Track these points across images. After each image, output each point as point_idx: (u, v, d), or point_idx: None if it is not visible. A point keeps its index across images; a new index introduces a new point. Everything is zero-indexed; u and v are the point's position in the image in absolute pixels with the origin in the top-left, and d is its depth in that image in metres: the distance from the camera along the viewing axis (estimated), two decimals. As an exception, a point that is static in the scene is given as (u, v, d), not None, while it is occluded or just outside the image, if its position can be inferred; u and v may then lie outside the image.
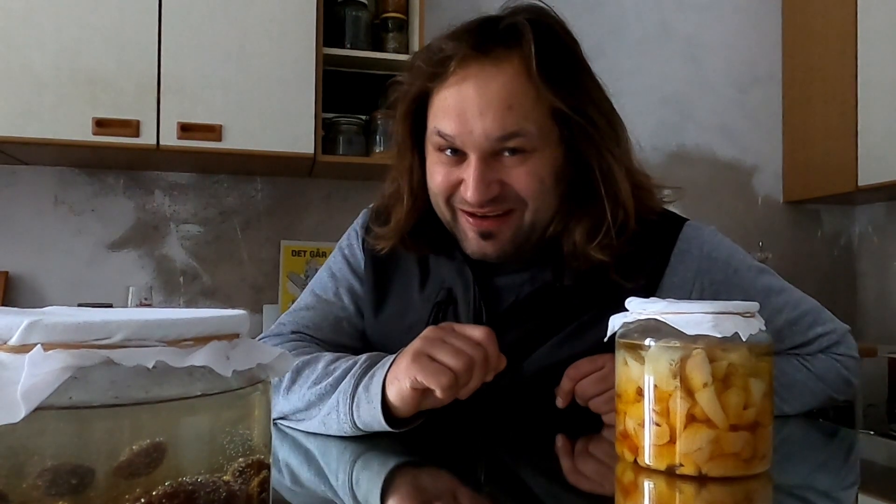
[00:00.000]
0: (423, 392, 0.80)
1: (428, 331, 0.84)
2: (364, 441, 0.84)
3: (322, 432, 0.87)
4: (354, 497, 0.67)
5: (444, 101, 0.94)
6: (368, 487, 0.69)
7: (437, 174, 0.97)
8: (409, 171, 1.03)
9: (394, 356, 0.85)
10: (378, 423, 0.81)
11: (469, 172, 0.93)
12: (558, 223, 0.99)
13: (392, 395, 0.81)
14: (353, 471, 0.75)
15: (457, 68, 0.92)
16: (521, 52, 0.92)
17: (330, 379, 0.88)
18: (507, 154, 0.93)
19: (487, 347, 0.82)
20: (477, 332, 0.83)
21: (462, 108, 0.92)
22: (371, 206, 1.16)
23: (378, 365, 0.86)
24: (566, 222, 0.98)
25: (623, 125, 1.00)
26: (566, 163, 0.97)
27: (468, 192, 0.93)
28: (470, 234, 0.97)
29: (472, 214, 0.96)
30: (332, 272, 1.13)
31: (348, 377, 0.86)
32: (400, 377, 0.80)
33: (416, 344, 0.82)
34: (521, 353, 0.97)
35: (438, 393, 0.78)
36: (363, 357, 0.89)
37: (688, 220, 1.06)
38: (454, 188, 0.96)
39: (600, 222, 0.96)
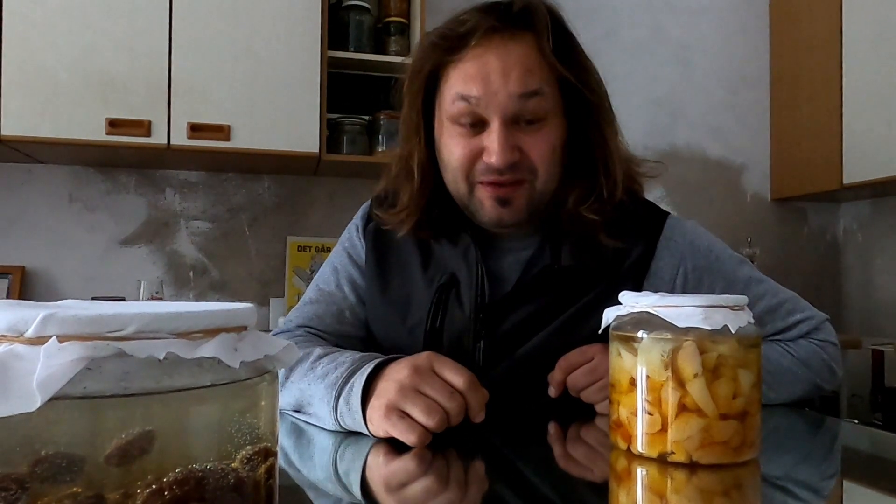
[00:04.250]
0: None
1: (406, 371, 0.77)
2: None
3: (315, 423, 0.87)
4: (339, 479, 0.67)
5: (466, 70, 0.95)
6: (350, 469, 0.69)
7: (457, 146, 0.97)
8: (421, 147, 1.03)
9: (367, 370, 0.81)
10: (363, 428, 0.79)
11: (493, 138, 0.94)
12: (558, 189, 1.01)
13: (372, 426, 0.78)
14: (336, 452, 0.75)
15: (480, 40, 0.94)
16: (535, 30, 0.95)
17: (311, 381, 0.87)
18: (524, 123, 0.95)
19: (467, 395, 0.77)
20: (459, 378, 0.77)
21: (486, 71, 0.93)
22: (369, 200, 1.16)
23: (355, 378, 0.82)
24: (564, 187, 1.01)
25: (612, 108, 1.04)
26: (568, 134, 1.00)
27: (492, 156, 0.94)
28: (487, 203, 0.98)
29: (490, 184, 0.97)
30: (334, 266, 1.13)
31: (331, 391, 0.83)
32: (374, 422, 0.77)
33: (390, 392, 0.76)
34: (522, 336, 0.98)
35: (412, 443, 0.74)
36: (341, 371, 0.85)
37: (670, 213, 1.08)
38: (475, 159, 0.97)
39: (592, 187, 1.00)
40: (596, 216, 0.98)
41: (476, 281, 1.00)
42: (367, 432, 0.79)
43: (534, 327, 0.98)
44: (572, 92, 0.98)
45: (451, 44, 0.96)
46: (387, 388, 0.77)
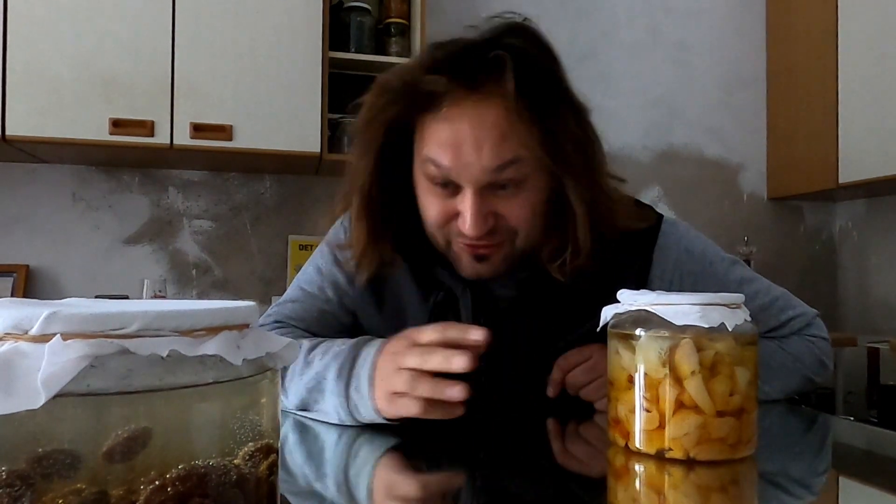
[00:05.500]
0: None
1: (388, 349, 0.82)
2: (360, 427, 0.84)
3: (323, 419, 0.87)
4: (347, 482, 0.67)
5: (438, 134, 0.88)
6: (359, 473, 0.69)
7: (432, 206, 0.93)
8: (367, 203, 0.97)
9: (371, 361, 0.83)
10: (375, 417, 0.81)
11: (466, 206, 0.89)
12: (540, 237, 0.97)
13: (381, 406, 0.80)
14: (347, 456, 0.75)
15: (451, 103, 0.87)
16: (504, 88, 0.86)
17: (312, 373, 0.87)
18: (501, 188, 0.89)
19: (448, 337, 0.78)
20: (434, 334, 0.79)
21: (458, 140, 0.87)
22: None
23: (359, 363, 0.84)
24: (541, 238, 0.96)
25: (599, 142, 0.96)
26: (553, 183, 0.94)
27: (465, 225, 0.89)
28: (464, 258, 0.94)
29: (465, 244, 0.93)
30: (318, 267, 1.09)
31: (337, 377, 0.84)
32: (382, 409, 0.80)
33: (381, 378, 0.80)
34: (520, 348, 0.96)
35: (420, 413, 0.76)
36: (340, 357, 0.86)
37: (662, 215, 1.07)
38: (450, 219, 0.92)
39: (564, 245, 0.94)
40: (561, 276, 0.94)
41: (473, 298, 0.98)
42: (379, 418, 0.80)
43: (533, 338, 0.97)
44: (551, 144, 0.89)
45: (417, 100, 0.89)
46: (383, 370, 0.80)
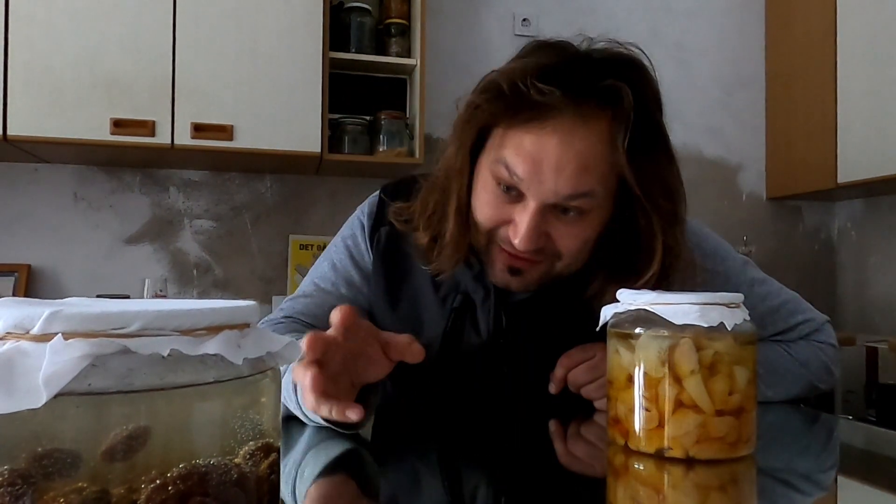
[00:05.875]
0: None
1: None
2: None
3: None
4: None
5: (522, 141, 0.84)
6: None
7: (488, 206, 0.89)
8: (462, 194, 0.92)
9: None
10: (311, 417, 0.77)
11: (523, 218, 0.85)
12: (584, 268, 0.93)
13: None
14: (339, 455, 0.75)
15: (553, 120, 0.83)
16: (611, 117, 0.83)
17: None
18: (563, 212, 0.87)
19: (335, 324, 0.72)
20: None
21: (540, 156, 0.83)
22: (377, 194, 1.08)
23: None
24: (590, 267, 0.93)
25: (685, 201, 0.93)
26: (612, 220, 0.91)
27: (517, 238, 0.86)
28: (498, 266, 0.92)
29: (507, 252, 0.90)
30: (333, 262, 1.07)
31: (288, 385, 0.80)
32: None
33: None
34: (537, 358, 0.95)
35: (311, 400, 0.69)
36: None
37: None
38: (501, 224, 0.89)
39: (621, 283, 0.87)
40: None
41: (492, 305, 0.96)
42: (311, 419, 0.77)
43: (550, 348, 0.95)
44: (631, 188, 0.85)
45: (519, 106, 0.84)
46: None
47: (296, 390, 0.77)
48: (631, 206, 0.88)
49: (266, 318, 1.04)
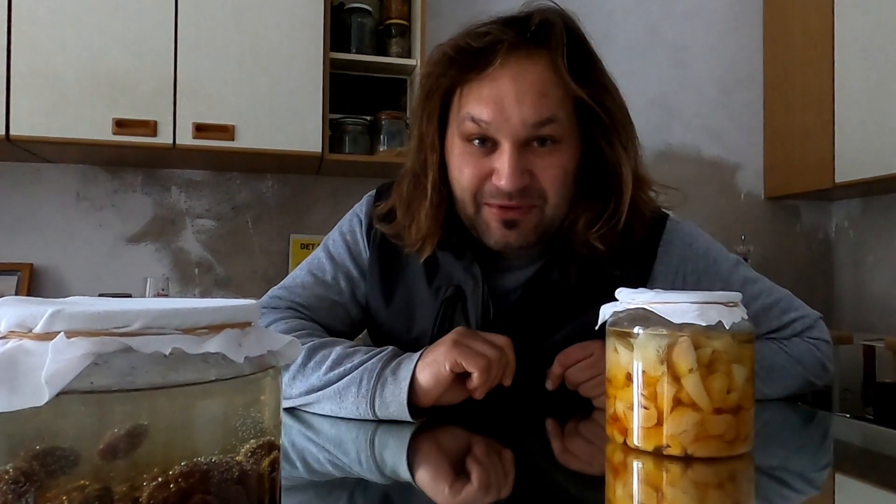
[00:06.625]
0: (454, 379, 0.82)
1: (457, 330, 0.86)
2: (370, 423, 0.84)
3: (329, 413, 0.87)
4: (377, 464, 0.67)
5: (479, 91, 0.91)
6: (395, 455, 0.69)
7: (467, 166, 0.94)
8: (436, 165, 0.98)
9: (419, 352, 0.86)
10: (398, 405, 0.81)
11: (503, 160, 0.90)
12: (569, 211, 0.98)
13: (425, 378, 0.81)
14: (373, 443, 0.75)
15: (500, 58, 0.90)
16: (550, 48, 0.91)
17: (353, 362, 0.86)
18: (537, 144, 0.92)
19: (508, 353, 0.85)
20: (499, 338, 0.86)
21: (500, 96, 0.90)
22: (373, 193, 1.11)
23: (405, 356, 0.87)
24: (574, 209, 0.98)
25: (633, 127, 0.99)
26: (582, 157, 0.97)
27: (502, 179, 0.90)
28: (493, 225, 0.95)
29: (498, 206, 0.93)
30: (331, 254, 1.09)
31: (375, 360, 0.86)
32: (439, 360, 0.82)
33: (451, 336, 0.84)
34: (526, 348, 0.96)
35: (476, 376, 0.81)
36: (388, 347, 0.89)
37: (668, 214, 1.07)
38: (484, 179, 0.93)
39: (601, 214, 0.96)
40: (603, 245, 0.95)
41: (481, 295, 0.98)
42: (400, 406, 0.81)
43: (539, 337, 0.97)
44: (589, 112, 0.93)
45: (467, 60, 0.92)
46: (446, 337, 0.85)
47: (380, 378, 0.83)
48: (594, 138, 0.95)
49: (267, 307, 1.04)
